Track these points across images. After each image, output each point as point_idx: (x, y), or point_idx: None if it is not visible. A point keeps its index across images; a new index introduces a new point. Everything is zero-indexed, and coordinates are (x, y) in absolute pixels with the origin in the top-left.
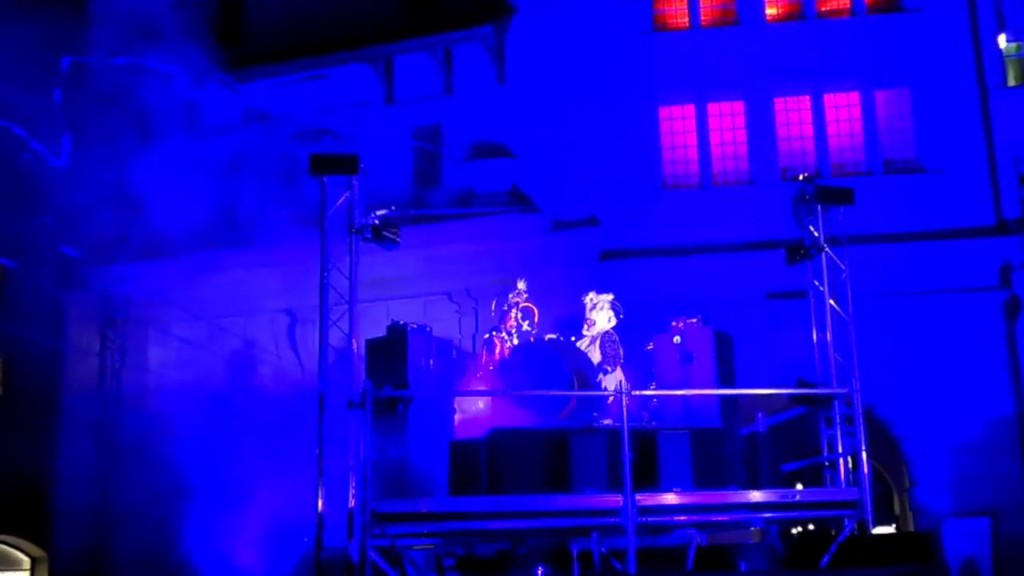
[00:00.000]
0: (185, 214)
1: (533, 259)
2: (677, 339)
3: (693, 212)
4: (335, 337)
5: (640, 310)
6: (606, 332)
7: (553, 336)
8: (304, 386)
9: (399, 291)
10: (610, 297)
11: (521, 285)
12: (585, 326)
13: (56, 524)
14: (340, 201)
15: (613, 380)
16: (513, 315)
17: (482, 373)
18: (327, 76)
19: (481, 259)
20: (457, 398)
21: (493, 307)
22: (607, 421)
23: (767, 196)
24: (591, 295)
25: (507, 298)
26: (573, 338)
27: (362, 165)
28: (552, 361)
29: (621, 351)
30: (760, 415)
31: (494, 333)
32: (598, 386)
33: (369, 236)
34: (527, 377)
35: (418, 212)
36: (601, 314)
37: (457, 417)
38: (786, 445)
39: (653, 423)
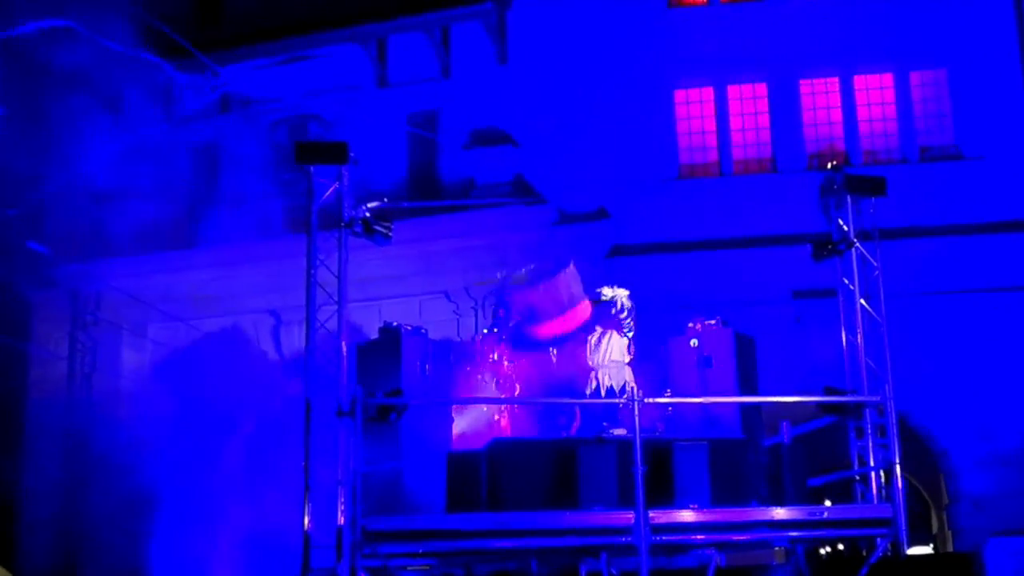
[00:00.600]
0: (161, 206)
1: (537, 254)
2: (694, 342)
3: (711, 203)
4: (323, 340)
5: (654, 310)
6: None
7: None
8: (289, 393)
9: (392, 290)
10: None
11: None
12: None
13: (23, 541)
14: (328, 193)
15: (608, 344)
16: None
17: (481, 376)
18: (314, 57)
19: (481, 255)
20: (455, 406)
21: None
22: (618, 431)
23: (792, 186)
24: (606, 290)
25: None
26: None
27: (352, 154)
28: None
29: (628, 322)
30: (785, 425)
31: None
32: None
33: (360, 230)
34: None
35: (413, 204)
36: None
37: (455, 427)
38: (813, 457)
39: (668, 433)
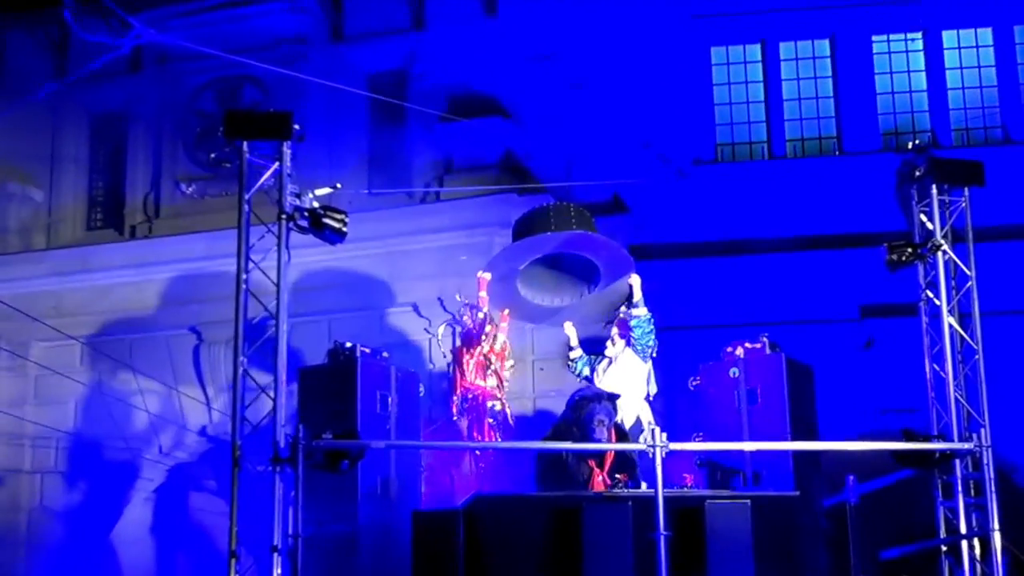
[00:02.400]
0: (50, 191)
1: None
2: (735, 371)
3: (757, 193)
4: (256, 364)
5: (682, 330)
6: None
7: None
8: (212, 433)
9: (346, 301)
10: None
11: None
12: (609, 343)
13: None
14: (266, 176)
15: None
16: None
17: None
18: (250, 3)
19: (460, 256)
20: (425, 452)
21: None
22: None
23: (861, 172)
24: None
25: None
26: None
27: (297, 126)
28: None
29: (647, 343)
30: (851, 479)
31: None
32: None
33: (306, 224)
34: None
35: (375, 191)
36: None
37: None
38: (887, 522)
39: (699, 488)
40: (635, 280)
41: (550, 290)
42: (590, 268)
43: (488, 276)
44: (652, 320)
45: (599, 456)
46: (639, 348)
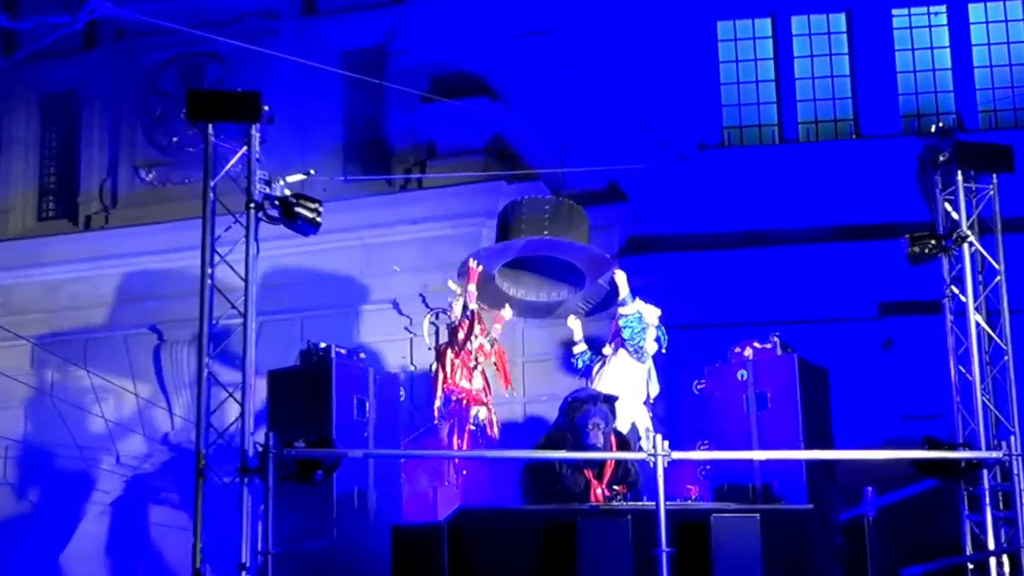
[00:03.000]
0: None
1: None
2: (743, 374)
3: (766, 181)
4: (222, 366)
5: (686, 330)
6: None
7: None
8: (175, 441)
9: (320, 298)
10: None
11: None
12: (607, 343)
13: None
14: (233, 162)
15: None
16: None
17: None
18: None
19: (444, 249)
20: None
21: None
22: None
23: (880, 157)
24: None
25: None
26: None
27: (267, 108)
28: None
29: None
30: (869, 491)
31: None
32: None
33: (276, 214)
34: None
35: (351, 178)
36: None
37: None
38: (908, 537)
39: (704, 501)
40: (620, 276)
41: (535, 287)
42: (572, 266)
43: (478, 267)
44: (642, 318)
45: (597, 466)
46: (631, 348)
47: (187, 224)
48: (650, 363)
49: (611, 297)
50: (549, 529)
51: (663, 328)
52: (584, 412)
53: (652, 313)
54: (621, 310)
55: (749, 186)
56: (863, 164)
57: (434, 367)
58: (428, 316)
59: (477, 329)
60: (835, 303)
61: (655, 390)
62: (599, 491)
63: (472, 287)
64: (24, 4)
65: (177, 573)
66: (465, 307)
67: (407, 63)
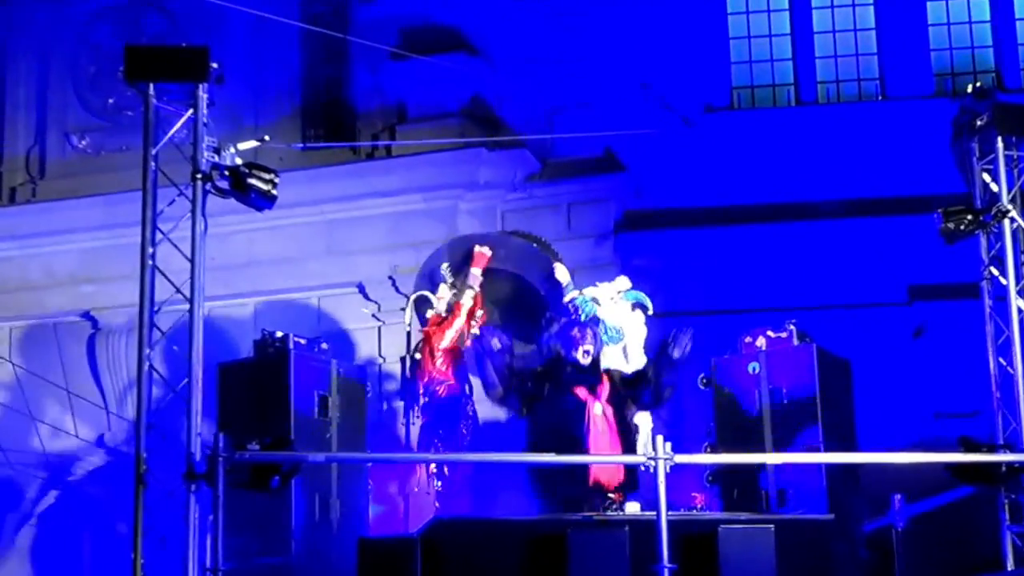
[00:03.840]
0: None
1: (504, 225)
2: (755, 367)
3: (781, 148)
4: (165, 359)
5: (690, 317)
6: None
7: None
8: (112, 443)
9: (277, 280)
10: (625, 286)
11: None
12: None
13: None
14: (177, 127)
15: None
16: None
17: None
18: None
19: (417, 224)
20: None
21: (408, 316)
22: (631, 506)
23: (909, 121)
24: (621, 281)
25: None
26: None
27: (215, 65)
28: None
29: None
30: (898, 499)
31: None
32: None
33: (226, 186)
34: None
35: (311, 146)
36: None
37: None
38: (941, 550)
39: (711, 510)
40: (560, 270)
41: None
42: None
43: (488, 252)
44: (589, 300)
45: (591, 383)
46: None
47: (125, 197)
48: (626, 339)
49: None
50: (536, 542)
51: (636, 293)
52: (565, 325)
53: (607, 290)
54: (565, 300)
55: (762, 154)
56: (890, 129)
57: (416, 352)
58: (414, 297)
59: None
60: (859, 286)
61: (633, 364)
62: (597, 407)
63: (476, 270)
64: None
65: None
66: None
67: (374, 14)
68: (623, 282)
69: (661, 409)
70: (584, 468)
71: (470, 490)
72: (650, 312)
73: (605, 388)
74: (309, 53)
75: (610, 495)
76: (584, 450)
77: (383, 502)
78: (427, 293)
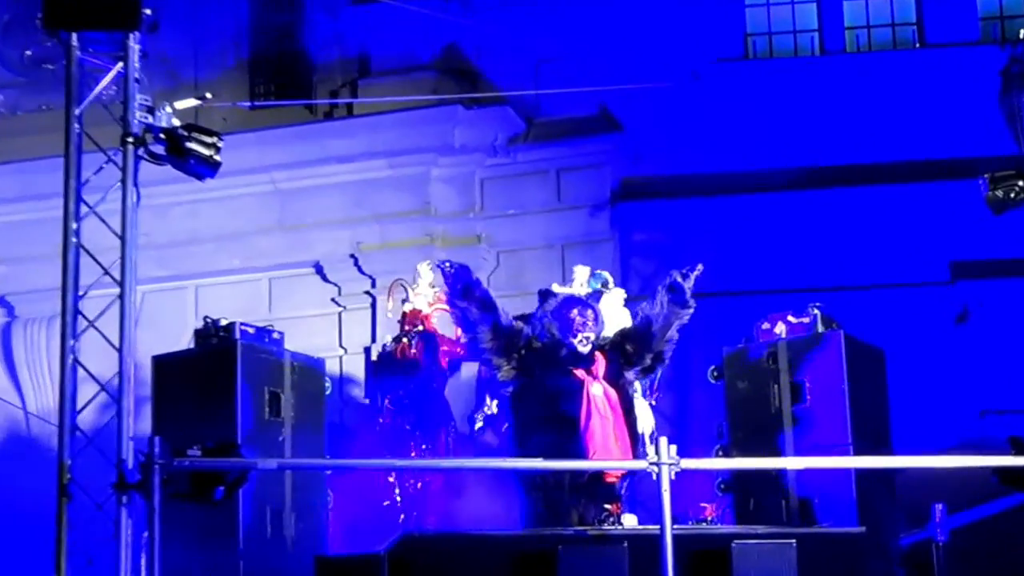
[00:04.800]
0: None
1: (483, 195)
2: (771, 357)
3: (803, 105)
4: (91, 351)
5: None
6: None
7: None
8: (31, 445)
9: (221, 260)
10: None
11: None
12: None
13: None
14: (105, 83)
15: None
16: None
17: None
18: None
19: (383, 194)
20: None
21: (389, 300)
22: (629, 519)
23: (951, 73)
24: (579, 272)
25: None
26: None
27: (149, 11)
28: None
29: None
30: (939, 508)
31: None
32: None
33: (162, 151)
34: None
35: (260, 104)
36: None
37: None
38: (988, 566)
39: (723, 522)
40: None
41: None
42: None
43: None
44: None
45: (586, 365)
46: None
47: (45, 164)
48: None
49: None
50: (521, 560)
51: (598, 277)
52: (564, 302)
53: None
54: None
55: (780, 112)
56: (929, 82)
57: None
58: (393, 282)
59: None
60: (893, 263)
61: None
62: (596, 387)
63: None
64: None
65: None
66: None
67: None
68: (582, 272)
69: (664, 405)
70: (582, 450)
71: (445, 498)
72: (610, 287)
73: (600, 364)
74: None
75: (606, 506)
76: (580, 434)
77: (344, 515)
78: (405, 284)
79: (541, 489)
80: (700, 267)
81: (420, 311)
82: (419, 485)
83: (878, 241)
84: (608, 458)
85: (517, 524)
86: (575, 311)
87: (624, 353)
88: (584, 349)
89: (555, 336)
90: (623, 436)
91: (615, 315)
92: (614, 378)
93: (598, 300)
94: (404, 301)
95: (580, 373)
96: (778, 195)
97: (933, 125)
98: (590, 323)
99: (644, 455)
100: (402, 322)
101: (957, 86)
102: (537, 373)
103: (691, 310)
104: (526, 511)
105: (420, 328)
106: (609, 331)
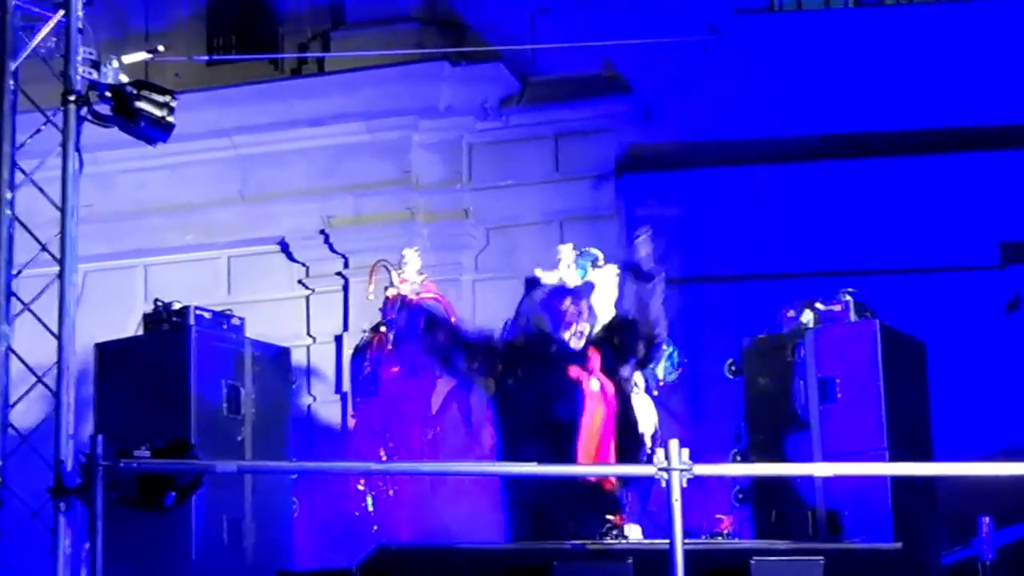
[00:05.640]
0: None
1: (472, 164)
2: (797, 345)
3: (835, 63)
4: (26, 337)
5: (714, 283)
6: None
7: None
8: None
9: (173, 236)
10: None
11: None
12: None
13: None
14: (44, 34)
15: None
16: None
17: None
18: None
19: (358, 161)
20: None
21: (371, 283)
22: (633, 530)
23: (1004, 26)
24: (564, 252)
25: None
26: None
27: None
28: None
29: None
30: (985, 522)
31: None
32: None
33: (108, 111)
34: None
35: (219, 58)
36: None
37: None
38: None
39: (741, 535)
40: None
41: None
42: None
43: None
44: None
45: (581, 358)
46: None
47: None
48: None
49: None
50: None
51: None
52: (553, 292)
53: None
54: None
55: (809, 71)
56: (979, 37)
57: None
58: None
59: None
60: (936, 244)
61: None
62: (593, 383)
63: None
64: None
65: None
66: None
67: None
68: (567, 252)
69: (675, 403)
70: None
71: (420, 507)
72: (600, 264)
73: (596, 358)
74: None
75: (608, 517)
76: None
77: (311, 525)
78: (388, 265)
79: (531, 500)
80: (647, 229)
81: (407, 297)
82: (391, 492)
83: (919, 219)
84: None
85: (504, 536)
86: (566, 302)
87: (614, 347)
88: (577, 344)
89: (544, 330)
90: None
91: (609, 294)
92: (610, 374)
93: (591, 290)
94: (387, 287)
95: (575, 371)
96: (805, 166)
97: (983, 87)
98: (584, 315)
99: (646, 458)
100: (384, 309)
101: (1013, 43)
102: (522, 373)
103: (659, 278)
104: (513, 523)
105: None
106: (604, 315)
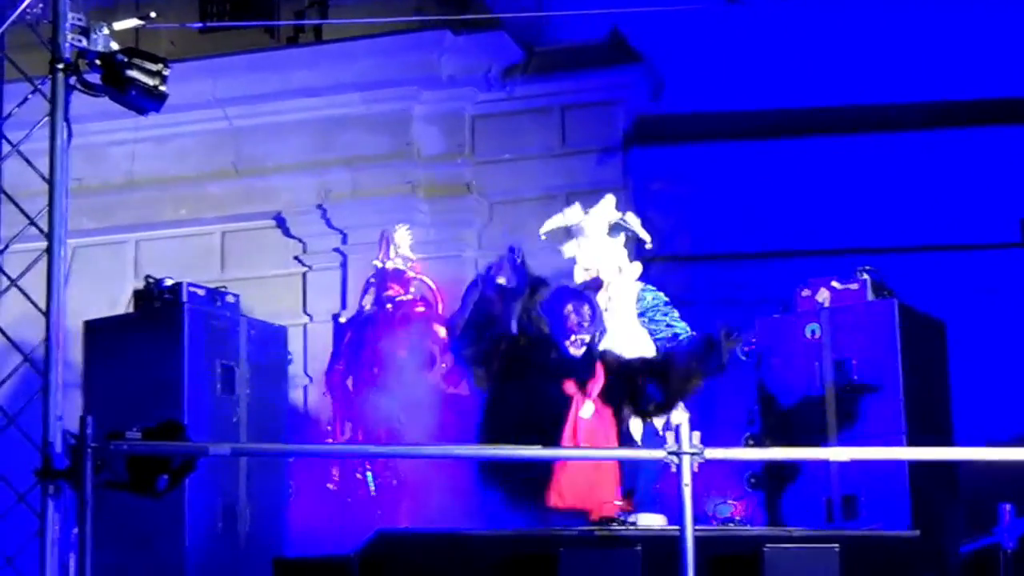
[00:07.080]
0: None
1: (474, 136)
2: (814, 329)
3: (855, 32)
4: (13, 315)
5: (728, 260)
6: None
7: None
8: None
9: (165, 209)
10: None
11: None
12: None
13: None
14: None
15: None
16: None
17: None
18: None
19: (357, 133)
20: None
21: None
22: (646, 517)
23: None
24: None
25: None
26: None
27: None
28: None
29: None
30: (1007, 509)
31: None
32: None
33: (98, 79)
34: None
35: (212, 25)
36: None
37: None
38: None
39: (753, 523)
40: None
41: None
42: None
43: None
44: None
45: (581, 376)
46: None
47: None
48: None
49: None
50: (515, 564)
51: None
52: (557, 294)
53: (594, 222)
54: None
55: (827, 40)
56: (1005, 4)
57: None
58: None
59: None
60: (956, 221)
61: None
62: (586, 408)
63: None
64: None
65: None
66: None
67: None
68: (609, 205)
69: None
70: (544, 484)
71: (424, 493)
72: (648, 246)
73: (599, 381)
74: None
75: (616, 502)
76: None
77: (308, 510)
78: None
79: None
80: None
81: (404, 273)
82: (395, 482)
83: (938, 195)
84: (585, 504)
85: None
86: (569, 306)
87: (632, 384)
88: (576, 352)
89: (545, 333)
90: (606, 476)
91: (629, 300)
92: (612, 402)
93: (598, 287)
94: (385, 260)
95: (571, 387)
96: (823, 139)
97: (1006, 58)
98: (586, 322)
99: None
100: (377, 283)
101: None
102: (515, 373)
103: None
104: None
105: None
106: (609, 272)
